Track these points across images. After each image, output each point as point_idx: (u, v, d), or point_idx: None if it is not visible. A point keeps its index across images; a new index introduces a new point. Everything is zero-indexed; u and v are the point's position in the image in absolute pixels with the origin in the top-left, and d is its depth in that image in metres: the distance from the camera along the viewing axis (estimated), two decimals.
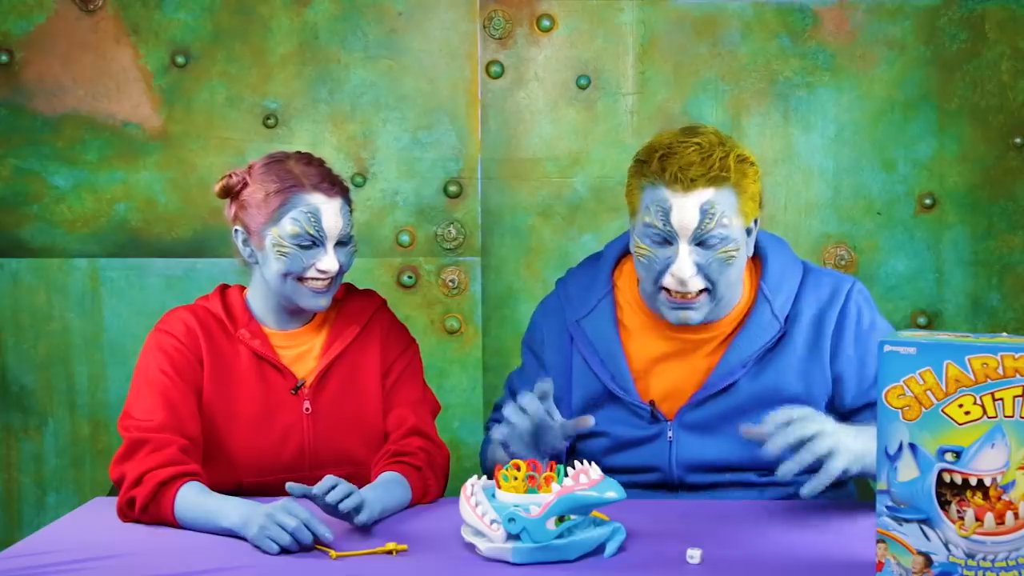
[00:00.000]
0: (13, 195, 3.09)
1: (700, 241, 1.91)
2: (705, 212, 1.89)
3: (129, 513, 1.91)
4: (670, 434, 2.02)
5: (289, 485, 1.79)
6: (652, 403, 2.03)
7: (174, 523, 1.88)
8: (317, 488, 1.79)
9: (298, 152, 2.11)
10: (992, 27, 3.04)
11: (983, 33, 3.03)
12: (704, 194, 1.90)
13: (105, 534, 1.85)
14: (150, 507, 1.89)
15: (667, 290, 1.95)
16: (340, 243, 2.05)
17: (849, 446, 1.79)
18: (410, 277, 3.10)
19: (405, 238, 3.10)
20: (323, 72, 3.08)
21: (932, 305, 3.08)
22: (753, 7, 3.05)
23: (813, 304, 2.02)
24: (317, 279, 2.03)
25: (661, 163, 1.91)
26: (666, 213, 1.91)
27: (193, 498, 1.88)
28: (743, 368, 1.99)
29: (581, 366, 2.07)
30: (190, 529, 1.87)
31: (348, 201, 2.08)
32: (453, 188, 3.09)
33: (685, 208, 1.90)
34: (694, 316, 1.96)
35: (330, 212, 2.03)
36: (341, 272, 2.06)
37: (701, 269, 1.92)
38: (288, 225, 2.01)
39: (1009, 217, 3.07)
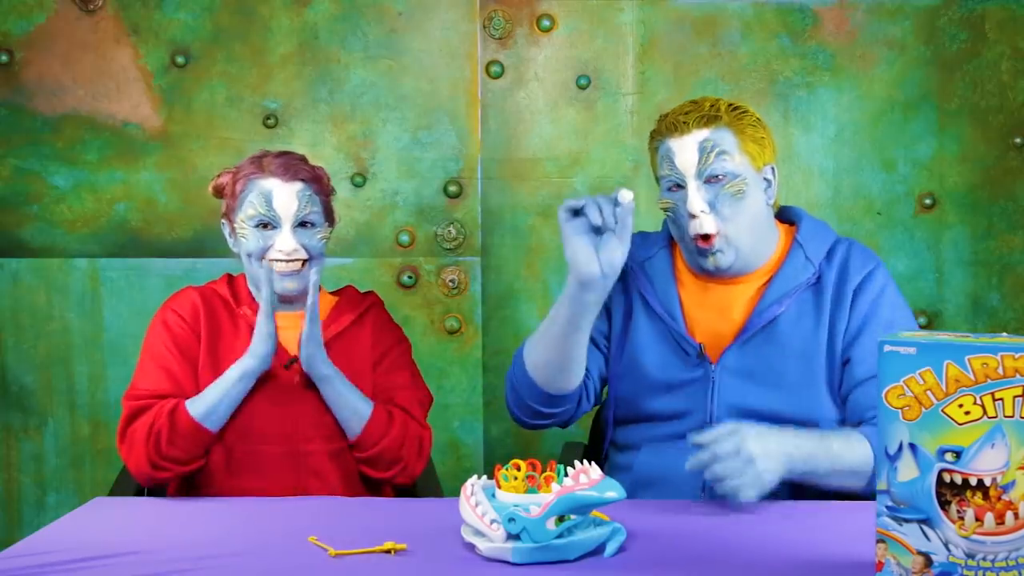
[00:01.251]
0: (13, 195, 3.09)
1: (706, 178, 2.06)
2: (703, 148, 2.06)
3: (158, 460, 2.05)
4: (713, 376, 2.10)
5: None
6: (702, 346, 2.11)
7: (201, 434, 2.05)
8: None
9: (283, 151, 2.22)
10: (992, 27, 3.04)
11: (983, 33, 3.03)
12: (700, 134, 2.07)
13: (105, 534, 1.85)
14: (173, 436, 2.04)
15: (695, 240, 2.08)
16: (303, 225, 2.15)
17: (765, 480, 1.85)
18: (410, 277, 3.10)
19: (405, 238, 3.10)
20: (323, 72, 3.08)
21: (932, 305, 3.08)
22: (753, 7, 3.05)
23: (844, 261, 2.13)
24: (280, 260, 2.14)
25: (663, 119, 2.12)
26: (671, 160, 2.08)
27: (199, 399, 2.07)
28: (780, 306, 2.09)
29: (640, 303, 2.19)
30: (218, 421, 2.06)
31: (317, 190, 2.18)
32: (453, 188, 3.09)
33: (685, 148, 2.06)
34: (721, 259, 2.08)
35: (283, 194, 2.14)
36: (312, 257, 2.16)
37: (713, 207, 2.06)
38: (248, 209, 2.15)
39: (1009, 217, 3.07)
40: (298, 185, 2.15)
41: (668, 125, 2.09)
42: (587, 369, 2.14)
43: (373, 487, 2.18)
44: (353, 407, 2.12)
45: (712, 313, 2.14)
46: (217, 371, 2.13)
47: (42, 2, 3.06)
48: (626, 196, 1.88)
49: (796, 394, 2.06)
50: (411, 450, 2.15)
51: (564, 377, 2.06)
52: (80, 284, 3.10)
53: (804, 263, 2.12)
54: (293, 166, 2.17)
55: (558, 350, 2.03)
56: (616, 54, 3.07)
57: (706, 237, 2.07)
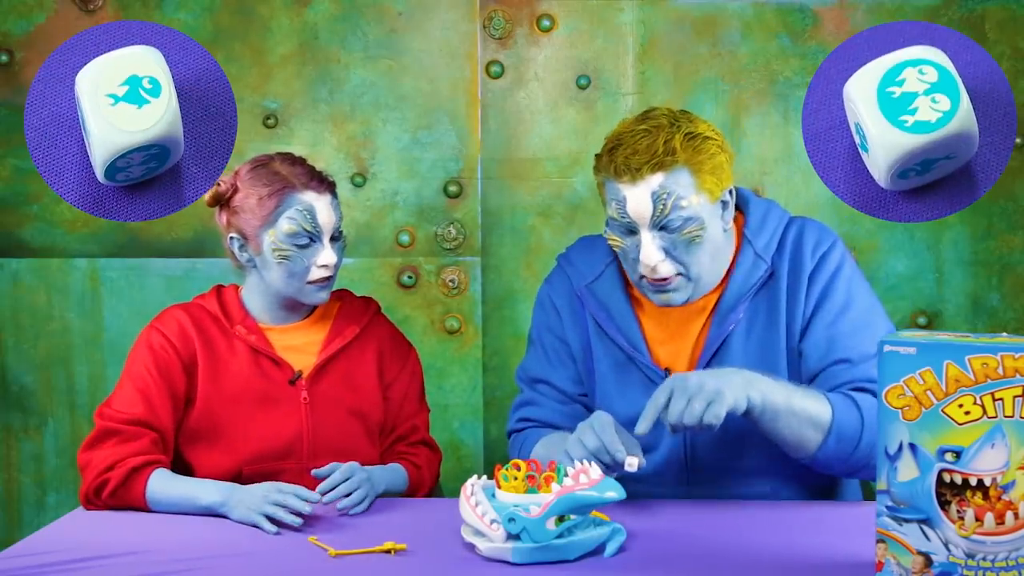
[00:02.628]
0: (13, 195, 3.09)
1: (662, 226, 1.91)
2: (657, 198, 1.89)
3: (94, 499, 1.99)
4: None
5: (315, 471, 1.96)
6: (668, 371, 2.01)
7: (143, 507, 1.97)
8: (324, 484, 1.94)
9: (280, 153, 2.16)
10: (992, 27, 3.04)
11: (983, 33, 3.03)
12: (653, 180, 1.89)
13: (105, 534, 1.85)
14: (119, 492, 1.97)
15: (645, 278, 1.95)
16: (332, 238, 2.11)
17: (720, 389, 1.78)
18: (410, 277, 3.10)
19: (405, 238, 3.10)
20: (323, 72, 3.08)
21: (932, 305, 3.08)
22: (753, 7, 3.05)
23: (796, 247, 2.02)
24: (319, 278, 2.08)
25: (610, 156, 1.93)
26: (622, 205, 1.91)
27: (166, 482, 1.97)
28: (737, 313, 1.98)
29: (596, 330, 2.07)
30: (161, 512, 1.95)
31: (336, 196, 2.13)
32: (453, 188, 3.09)
33: (637, 198, 1.90)
34: (676, 298, 1.96)
35: (323, 208, 2.08)
36: (336, 267, 2.12)
37: (668, 253, 1.92)
38: (285, 225, 2.06)
39: (1009, 217, 3.07)
40: (328, 197, 2.10)
41: (619, 167, 1.90)
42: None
43: None
44: (397, 485, 2.11)
45: (674, 332, 2.03)
46: (222, 396, 2.09)
47: (42, 2, 3.06)
48: (633, 464, 1.80)
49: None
50: (433, 476, 2.22)
51: None
52: (80, 284, 3.10)
53: (755, 261, 2.00)
54: (319, 176, 2.11)
55: None
56: (616, 54, 3.07)
57: (660, 278, 1.94)
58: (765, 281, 2.00)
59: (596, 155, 1.97)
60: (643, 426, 1.81)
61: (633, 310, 2.05)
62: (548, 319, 2.14)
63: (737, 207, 2.06)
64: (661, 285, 1.94)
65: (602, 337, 2.06)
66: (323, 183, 2.11)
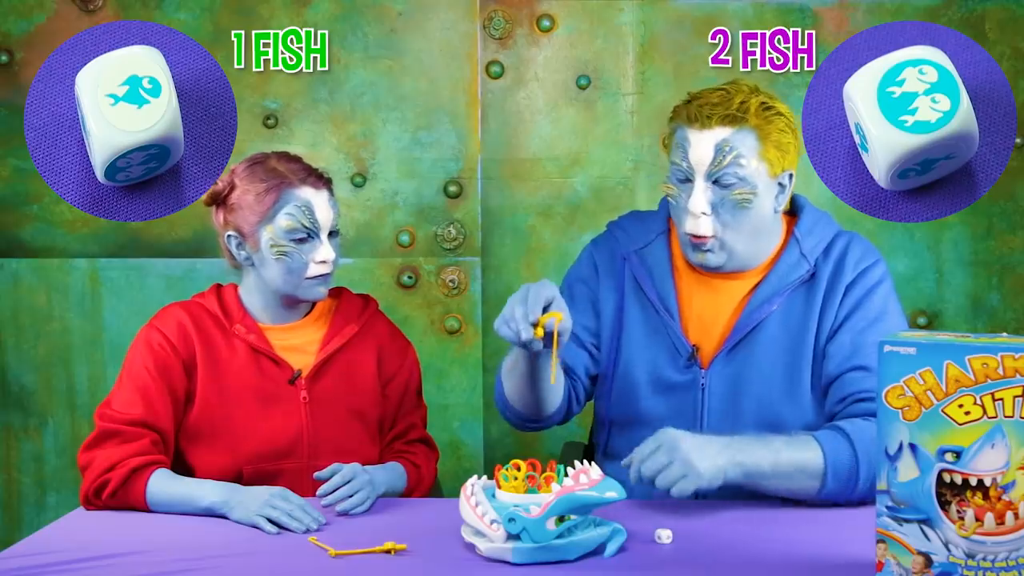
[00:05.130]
0: (13, 195, 3.09)
1: (716, 179, 1.98)
2: (719, 149, 1.97)
3: (95, 500, 2.00)
4: (703, 382, 2.05)
5: (317, 474, 1.96)
6: (695, 348, 2.06)
7: (143, 507, 1.97)
8: (325, 487, 1.94)
9: (275, 152, 2.17)
10: (992, 27, 3.04)
11: (983, 33, 3.03)
12: (720, 132, 1.97)
13: (105, 534, 1.85)
14: (119, 492, 1.97)
15: (689, 234, 2.02)
16: (330, 234, 2.11)
17: (699, 468, 1.81)
18: (410, 277, 3.10)
19: (405, 238, 3.10)
20: (323, 72, 3.08)
21: (932, 305, 3.08)
22: (753, 7, 3.05)
23: (841, 256, 2.07)
24: (317, 274, 2.09)
25: (687, 104, 2.02)
26: (685, 150, 1.99)
27: (166, 482, 1.98)
28: (771, 305, 2.03)
29: (634, 292, 2.12)
30: (161, 512, 1.96)
31: (333, 193, 2.14)
32: (453, 188, 3.09)
33: (701, 144, 1.98)
34: (711, 258, 2.02)
35: (321, 204, 2.09)
36: (335, 263, 2.12)
37: (715, 209, 1.99)
38: (283, 221, 2.06)
39: (1009, 217, 3.07)
40: (326, 193, 2.11)
41: (692, 113, 1.99)
42: (572, 370, 2.13)
43: None
44: (397, 485, 2.10)
45: (706, 310, 2.08)
46: (222, 395, 2.08)
47: (42, 2, 3.06)
48: (663, 538, 1.78)
49: (786, 396, 2.03)
50: (431, 475, 2.21)
51: (541, 407, 2.07)
52: (80, 284, 3.10)
53: (799, 260, 2.06)
54: (316, 172, 2.12)
55: (527, 393, 2.04)
56: (616, 54, 3.07)
57: (700, 235, 2.01)
58: (805, 281, 2.05)
59: (675, 106, 2.05)
60: (634, 475, 1.85)
61: (675, 281, 2.10)
62: (584, 272, 2.19)
63: (792, 211, 2.13)
64: (699, 243, 2.01)
65: (639, 298, 2.11)
66: (320, 179, 2.12)
